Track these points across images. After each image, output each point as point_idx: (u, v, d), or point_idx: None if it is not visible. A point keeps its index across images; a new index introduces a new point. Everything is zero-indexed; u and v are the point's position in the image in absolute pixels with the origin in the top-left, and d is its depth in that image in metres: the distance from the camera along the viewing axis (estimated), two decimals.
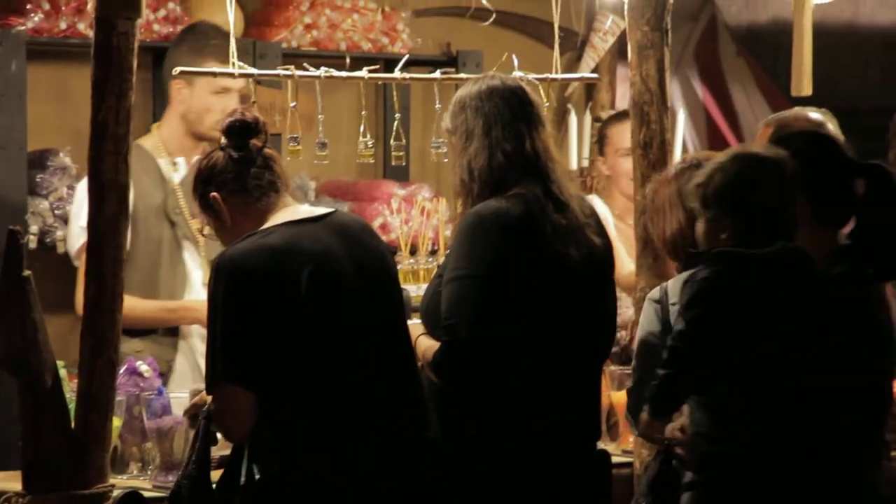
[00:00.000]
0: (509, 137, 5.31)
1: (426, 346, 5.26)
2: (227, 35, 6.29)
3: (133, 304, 6.08)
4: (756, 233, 4.73)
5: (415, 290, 6.54)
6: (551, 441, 5.30)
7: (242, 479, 4.99)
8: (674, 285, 5.36)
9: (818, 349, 4.71)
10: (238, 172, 5.17)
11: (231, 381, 4.91)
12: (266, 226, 5.10)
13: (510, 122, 5.32)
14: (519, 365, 5.25)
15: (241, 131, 5.20)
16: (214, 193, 5.18)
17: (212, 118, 6.62)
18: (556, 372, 5.31)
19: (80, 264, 4.87)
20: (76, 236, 6.42)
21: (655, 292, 5.51)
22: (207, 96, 6.68)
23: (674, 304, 5.28)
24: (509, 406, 5.28)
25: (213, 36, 6.68)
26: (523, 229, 5.21)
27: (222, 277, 4.96)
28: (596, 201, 7.51)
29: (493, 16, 6.84)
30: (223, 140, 5.23)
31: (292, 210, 5.16)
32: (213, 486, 4.99)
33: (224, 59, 6.39)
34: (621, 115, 7.55)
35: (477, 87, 5.42)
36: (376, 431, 4.99)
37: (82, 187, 6.35)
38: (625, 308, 6.52)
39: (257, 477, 5.07)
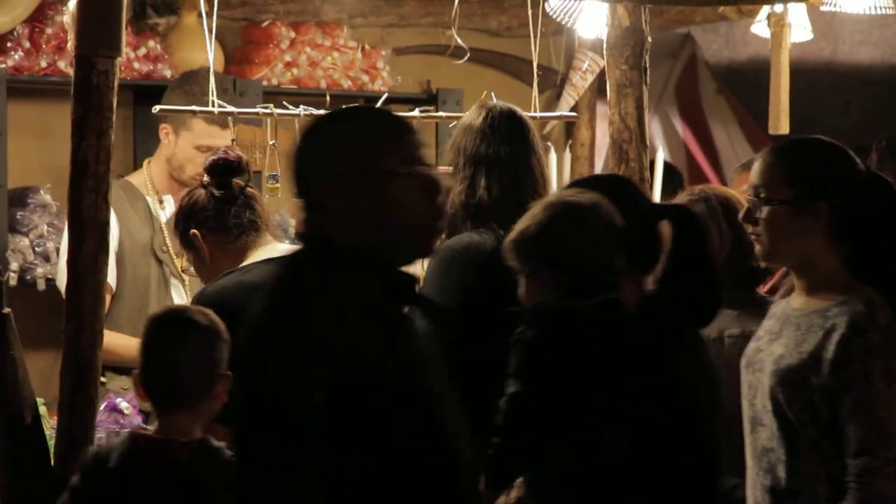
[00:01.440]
0: (497, 178, 5.33)
1: None
2: (219, 84, 6.34)
3: (120, 342, 6.11)
4: (577, 284, 4.45)
5: None
6: None
7: None
8: None
9: (643, 403, 4.43)
10: (219, 210, 5.22)
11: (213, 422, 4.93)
12: (245, 263, 5.13)
13: (487, 161, 5.33)
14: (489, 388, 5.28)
15: (223, 170, 5.24)
16: (194, 230, 5.23)
17: (192, 170, 6.65)
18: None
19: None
20: (63, 272, 6.44)
21: None
22: (190, 149, 6.71)
23: None
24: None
25: (204, 88, 6.68)
26: (493, 263, 5.22)
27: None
28: None
29: (468, 54, 6.86)
30: (206, 178, 5.26)
31: (271, 248, 5.20)
32: None
33: (212, 119, 6.44)
34: None
35: (470, 118, 5.46)
36: None
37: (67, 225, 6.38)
38: None
39: None
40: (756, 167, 4.62)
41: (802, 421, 4.48)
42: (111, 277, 6.52)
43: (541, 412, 4.39)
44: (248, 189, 5.31)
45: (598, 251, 4.45)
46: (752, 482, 4.65)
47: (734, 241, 5.47)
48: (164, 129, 6.85)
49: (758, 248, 4.64)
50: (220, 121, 6.59)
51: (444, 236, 5.30)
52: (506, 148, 5.36)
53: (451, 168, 5.39)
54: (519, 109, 5.53)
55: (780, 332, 4.57)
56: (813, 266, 4.58)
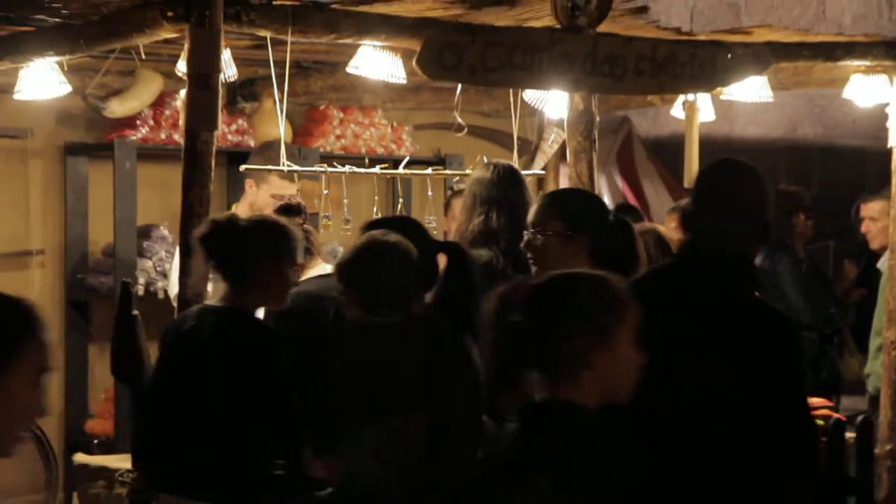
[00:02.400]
0: (482, 216, 5.40)
1: None
2: (288, 150, 6.36)
3: None
4: (379, 304, 4.31)
5: None
6: None
7: None
8: None
9: (435, 395, 4.24)
10: None
11: None
12: (303, 278, 5.15)
13: (487, 203, 5.40)
14: None
15: (287, 212, 5.25)
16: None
17: (269, 212, 6.64)
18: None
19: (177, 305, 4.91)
20: (174, 285, 6.45)
21: None
22: (268, 197, 6.70)
23: None
24: None
25: (278, 153, 6.69)
26: (481, 270, 5.28)
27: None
28: None
29: (466, 129, 6.85)
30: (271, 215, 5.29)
31: (321, 267, 5.23)
32: None
33: (284, 175, 6.45)
34: None
35: (479, 171, 5.54)
36: None
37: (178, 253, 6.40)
38: None
39: None
40: (534, 209, 4.50)
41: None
42: (209, 289, 6.53)
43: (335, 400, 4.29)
44: (305, 226, 5.31)
45: (393, 278, 4.34)
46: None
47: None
48: (249, 183, 6.84)
49: (534, 268, 4.49)
50: (290, 177, 6.59)
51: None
52: (508, 192, 5.43)
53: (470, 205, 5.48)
54: (515, 165, 5.59)
55: None
56: None
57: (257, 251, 4.56)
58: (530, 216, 4.52)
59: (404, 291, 4.36)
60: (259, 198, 6.81)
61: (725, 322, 3.85)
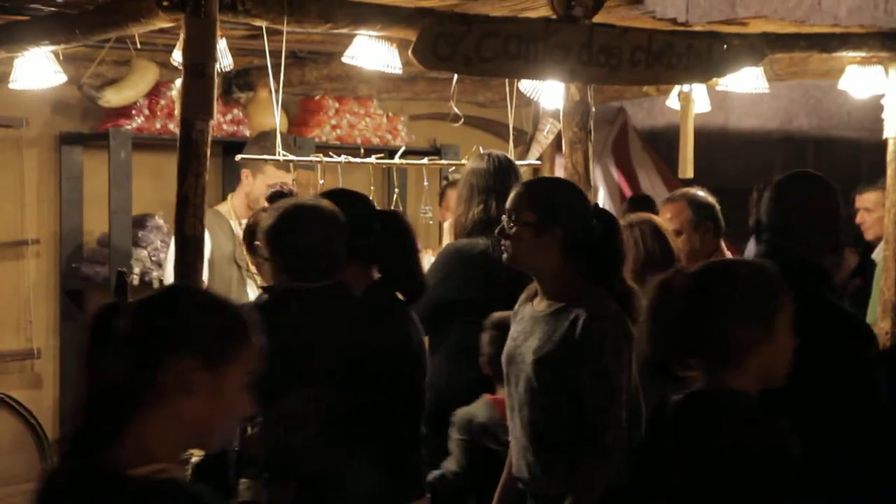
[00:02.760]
0: (481, 206, 5.45)
1: None
2: (284, 140, 6.36)
3: None
4: (300, 269, 4.30)
5: None
6: None
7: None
8: None
9: (361, 364, 4.27)
10: None
11: None
12: None
13: (486, 193, 5.46)
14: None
15: (278, 197, 5.26)
16: (258, 241, 5.23)
17: (264, 201, 6.65)
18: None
19: None
20: (168, 276, 6.45)
21: None
22: (264, 187, 6.70)
23: None
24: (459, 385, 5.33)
25: (273, 143, 6.70)
26: (476, 258, 5.40)
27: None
28: None
29: (462, 120, 6.85)
30: (265, 204, 5.28)
31: None
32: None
33: (280, 165, 6.44)
34: None
35: (475, 162, 5.60)
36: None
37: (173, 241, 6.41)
38: None
39: None
40: (510, 196, 4.46)
41: (554, 392, 4.27)
42: (204, 278, 6.54)
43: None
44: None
45: (314, 244, 4.32)
46: (520, 450, 4.38)
47: (661, 253, 5.39)
48: (245, 173, 6.84)
49: (505, 255, 4.44)
50: (285, 166, 6.59)
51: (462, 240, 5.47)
52: (505, 181, 5.52)
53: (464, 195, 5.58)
54: (510, 155, 5.63)
55: (533, 331, 4.35)
56: (553, 275, 4.36)
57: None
58: (507, 203, 4.48)
59: (327, 257, 4.33)
60: (255, 187, 6.81)
61: (804, 326, 3.92)
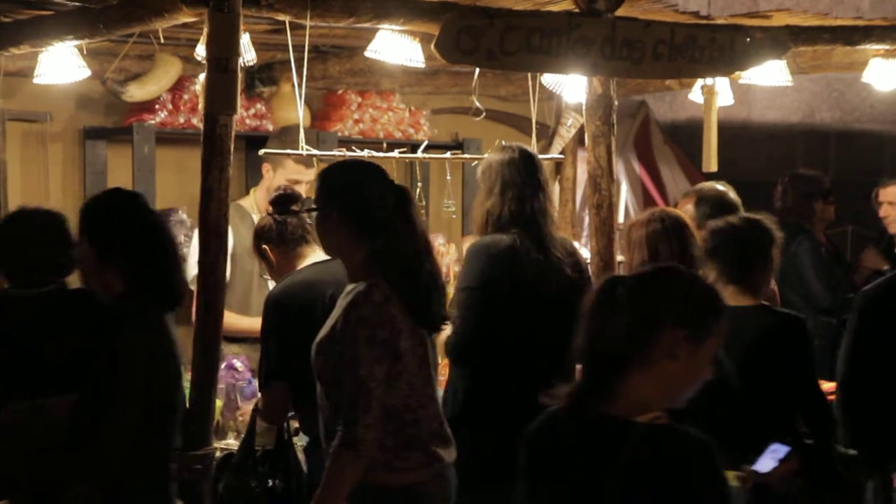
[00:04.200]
0: (516, 199, 5.39)
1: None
2: (306, 135, 6.35)
3: (232, 320, 6.10)
4: (18, 275, 4.24)
5: None
6: (525, 408, 5.31)
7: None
8: None
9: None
10: (280, 231, 5.27)
11: (276, 379, 4.99)
12: (300, 266, 5.19)
13: (520, 187, 5.41)
14: (500, 351, 5.29)
15: (282, 201, 5.30)
16: (265, 246, 5.30)
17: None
18: (528, 355, 5.33)
19: (195, 289, 4.89)
20: (192, 269, 6.46)
21: None
22: (284, 181, 6.71)
23: None
24: (491, 382, 5.31)
25: (295, 137, 6.70)
26: (506, 256, 5.31)
27: (272, 306, 5.14)
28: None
29: (484, 113, 6.85)
30: (270, 208, 5.32)
31: (318, 254, 5.24)
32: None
33: (300, 160, 6.44)
34: None
35: (502, 155, 5.52)
36: None
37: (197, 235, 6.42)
38: None
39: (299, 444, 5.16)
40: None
41: (327, 380, 4.27)
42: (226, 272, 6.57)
43: None
44: (302, 214, 5.33)
45: (23, 248, 4.30)
46: (322, 436, 4.38)
47: (672, 253, 5.37)
48: (266, 167, 6.85)
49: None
50: (306, 161, 6.59)
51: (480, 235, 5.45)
52: (533, 173, 5.52)
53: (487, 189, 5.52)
54: (530, 148, 5.61)
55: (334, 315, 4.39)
56: (346, 258, 4.38)
57: None
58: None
59: (44, 263, 4.31)
60: (276, 182, 6.81)
61: None
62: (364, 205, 4.31)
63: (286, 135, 6.94)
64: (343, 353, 4.17)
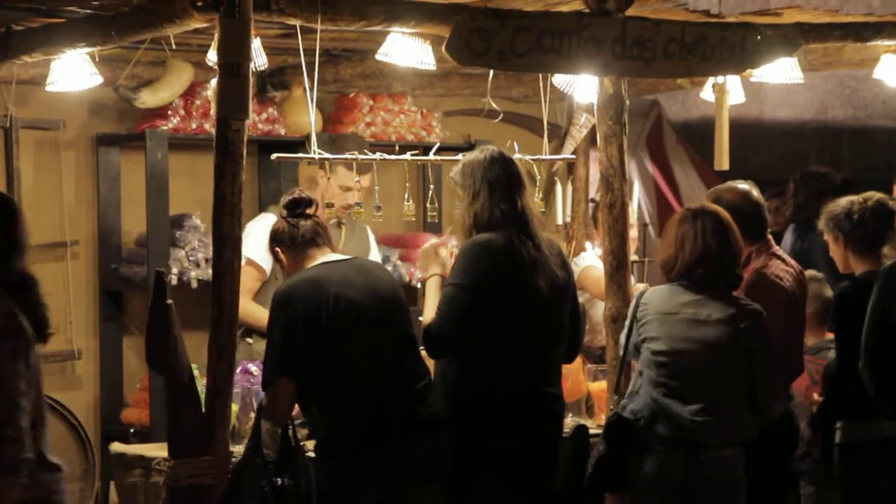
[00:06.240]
0: (505, 199, 5.36)
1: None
2: (361, 144, 6.36)
3: (265, 314, 6.11)
4: None
5: None
6: (517, 405, 5.32)
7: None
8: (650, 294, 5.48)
9: None
10: (291, 234, 5.30)
11: (280, 375, 5.00)
12: (309, 266, 5.22)
13: (507, 186, 5.38)
14: (491, 349, 5.28)
15: (294, 205, 5.34)
16: (277, 248, 5.33)
17: (339, 202, 6.75)
18: (521, 353, 5.33)
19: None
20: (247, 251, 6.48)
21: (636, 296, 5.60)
22: (336, 188, 6.71)
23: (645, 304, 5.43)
24: (481, 379, 5.30)
25: (349, 147, 6.70)
26: (503, 254, 5.29)
27: (277, 303, 5.15)
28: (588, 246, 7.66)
29: (501, 115, 6.86)
30: (283, 212, 5.35)
31: (328, 255, 5.30)
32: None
33: (349, 166, 6.45)
34: None
35: (483, 155, 5.46)
36: (380, 406, 5.11)
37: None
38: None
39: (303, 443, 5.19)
40: None
41: None
42: (267, 266, 6.70)
43: None
44: (314, 217, 5.38)
45: None
46: None
47: (718, 249, 5.38)
48: (320, 174, 6.76)
49: None
50: (358, 168, 6.58)
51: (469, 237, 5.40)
52: (513, 171, 5.46)
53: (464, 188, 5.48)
54: (505, 151, 5.55)
55: None
56: None
57: None
58: None
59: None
60: (329, 188, 6.80)
61: None
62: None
63: (342, 142, 7.00)
64: None
